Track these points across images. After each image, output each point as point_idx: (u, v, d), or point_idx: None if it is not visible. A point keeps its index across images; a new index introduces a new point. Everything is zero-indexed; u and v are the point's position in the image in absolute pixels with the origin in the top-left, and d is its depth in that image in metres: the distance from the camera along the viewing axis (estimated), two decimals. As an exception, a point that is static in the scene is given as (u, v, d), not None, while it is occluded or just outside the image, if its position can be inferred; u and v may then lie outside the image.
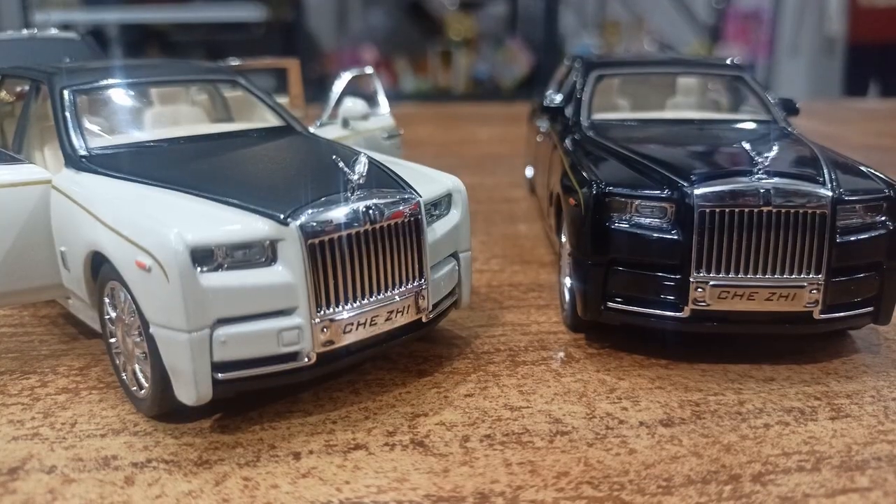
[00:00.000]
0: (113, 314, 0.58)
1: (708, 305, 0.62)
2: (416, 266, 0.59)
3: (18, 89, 0.83)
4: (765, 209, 0.60)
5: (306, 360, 0.54)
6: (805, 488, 0.50)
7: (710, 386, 0.63)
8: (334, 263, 0.54)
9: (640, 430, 0.57)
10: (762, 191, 0.60)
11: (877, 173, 0.67)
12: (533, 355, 0.69)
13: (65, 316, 0.76)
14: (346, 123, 0.89)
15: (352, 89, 0.93)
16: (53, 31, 1.14)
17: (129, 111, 0.79)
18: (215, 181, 0.59)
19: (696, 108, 0.94)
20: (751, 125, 0.83)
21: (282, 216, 0.53)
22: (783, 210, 0.60)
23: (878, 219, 0.63)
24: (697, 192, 0.61)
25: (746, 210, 0.60)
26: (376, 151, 0.85)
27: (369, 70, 0.97)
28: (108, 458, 0.53)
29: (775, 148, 0.64)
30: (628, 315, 0.65)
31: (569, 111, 0.89)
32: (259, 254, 0.53)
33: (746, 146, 0.64)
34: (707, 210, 0.60)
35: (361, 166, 0.58)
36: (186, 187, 0.57)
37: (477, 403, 0.61)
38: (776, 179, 0.61)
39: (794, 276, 0.61)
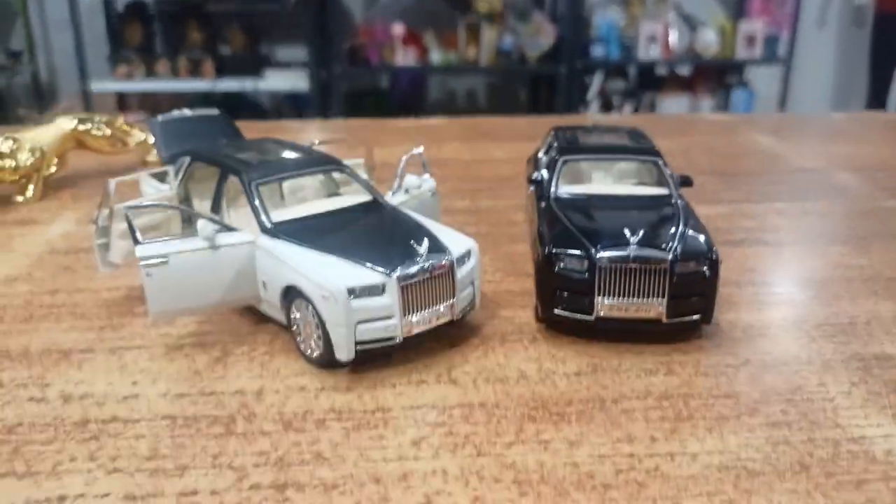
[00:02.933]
0: (297, 315, 1.15)
1: (605, 314, 1.17)
2: (451, 293, 1.15)
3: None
4: (632, 265, 1.14)
5: (397, 340, 1.11)
6: (637, 405, 1.06)
7: (606, 355, 1.18)
8: (412, 294, 1.10)
9: (563, 377, 1.12)
10: (631, 256, 1.14)
11: (706, 238, 1.20)
12: (515, 336, 1.24)
13: (247, 312, 1.32)
14: (406, 191, 1.44)
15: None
16: (202, 111, 1.68)
17: (285, 194, 1.35)
18: (348, 246, 1.14)
19: (632, 179, 1.48)
20: (652, 199, 1.36)
21: (388, 272, 1.08)
22: (643, 266, 1.14)
23: (700, 268, 1.17)
24: (598, 255, 1.15)
25: (623, 265, 1.15)
26: (427, 206, 1.42)
27: (419, 150, 1.51)
28: (303, 386, 1.10)
29: (653, 221, 1.19)
30: (566, 317, 1.21)
31: (545, 182, 1.44)
32: (376, 291, 1.08)
33: (636, 219, 1.19)
34: (604, 265, 1.15)
35: (423, 238, 1.14)
36: (335, 251, 1.13)
37: (483, 363, 1.16)
38: (641, 250, 1.15)
39: (651, 299, 1.16)
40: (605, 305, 1.17)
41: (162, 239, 1.17)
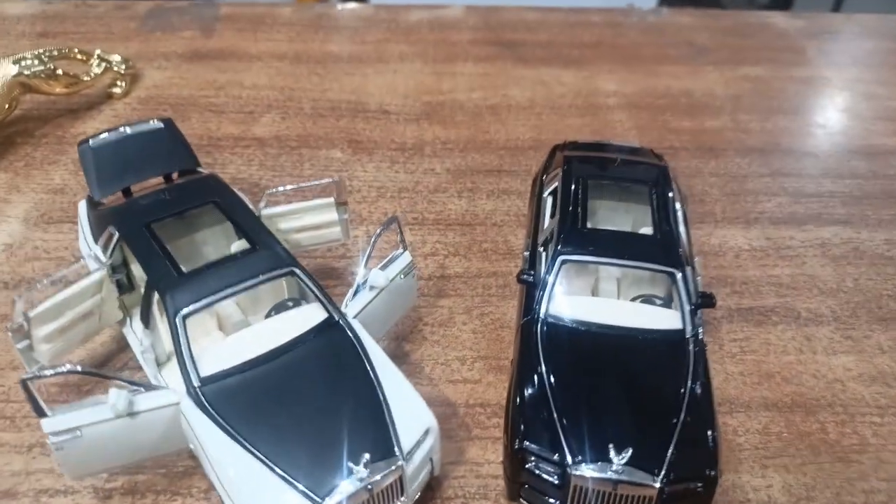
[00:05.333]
0: (225, 502, 1.02)
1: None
2: (398, 495, 1.00)
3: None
4: (613, 491, 0.96)
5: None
6: None
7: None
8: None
9: None
10: (614, 479, 0.96)
11: (710, 441, 1.00)
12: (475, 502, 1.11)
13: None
14: (372, 288, 1.21)
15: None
16: (144, 126, 1.39)
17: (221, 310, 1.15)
18: (284, 441, 0.97)
19: (643, 284, 1.23)
20: (661, 341, 1.12)
21: (321, 498, 0.92)
22: (626, 494, 0.96)
23: (694, 487, 0.99)
24: (575, 472, 0.97)
25: (602, 490, 0.97)
26: (399, 293, 1.21)
27: (393, 224, 1.26)
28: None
29: (651, 409, 0.99)
30: None
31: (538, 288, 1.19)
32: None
33: (630, 407, 0.99)
34: (579, 484, 0.97)
35: (371, 431, 0.96)
36: (267, 449, 0.96)
37: (432, 557, 1.05)
38: (627, 473, 0.96)
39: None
40: (577, 510, 1.01)
41: (72, 408, 1.01)
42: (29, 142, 1.86)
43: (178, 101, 2.06)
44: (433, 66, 2.29)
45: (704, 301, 1.18)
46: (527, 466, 1.01)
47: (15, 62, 1.82)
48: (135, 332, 1.23)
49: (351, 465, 0.95)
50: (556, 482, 0.99)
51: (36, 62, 1.85)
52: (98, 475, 1.10)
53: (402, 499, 1.01)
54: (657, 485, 0.96)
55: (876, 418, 1.26)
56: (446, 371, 1.31)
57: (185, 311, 1.07)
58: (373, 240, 1.23)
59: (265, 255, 1.16)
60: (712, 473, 0.98)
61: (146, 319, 1.14)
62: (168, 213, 1.25)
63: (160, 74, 2.20)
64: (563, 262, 1.19)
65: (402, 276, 1.26)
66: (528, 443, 1.01)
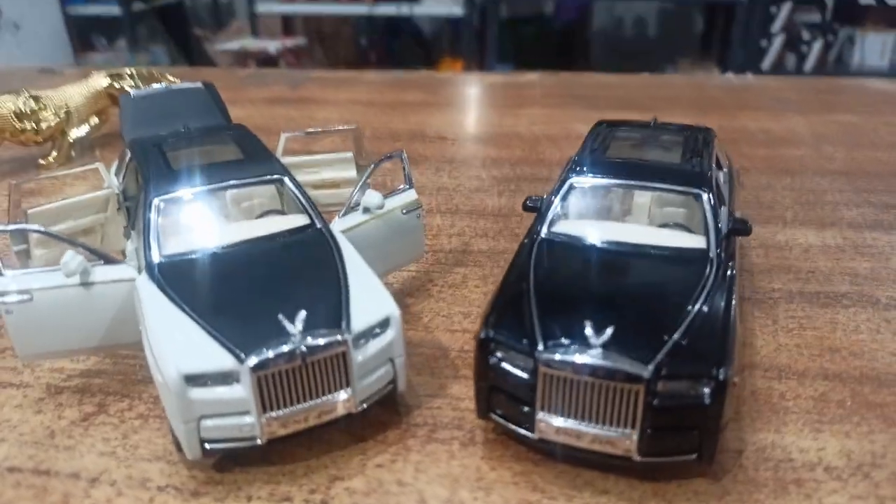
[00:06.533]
0: (160, 383, 0.92)
1: (550, 437, 0.83)
2: (343, 381, 0.86)
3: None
4: (589, 379, 0.78)
5: (259, 441, 0.84)
6: None
7: (553, 489, 0.84)
8: (277, 385, 0.82)
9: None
10: (589, 365, 0.78)
11: (721, 339, 0.81)
12: (446, 433, 0.93)
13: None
14: (366, 210, 1.13)
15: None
16: (185, 85, 1.46)
17: (215, 208, 1.10)
18: (223, 304, 0.88)
19: (675, 213, 1.07)
20: (676, 255, 0.96)
21: (242, 356, 0.81)
22: (605, 383, 0.78)
23: (697, 391, 0.79)
24: (542, 355, 0.80)
25: (575, 378, 0.79)
26: (400, 229, 1.12)
27: (402, 155, 1.20)
28: (147, 479, 0.87)
29: (649, 300, 0.81)
30: (503, 426, 0.88)
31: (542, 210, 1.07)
32: (227, 379, 0.82)
33: (625, 295, 0.82)
34: (547, 372, 0.80)
35: (318, 301, 0.85)
36: (203, 310, 0.87)
37: (381, 475, 0.87)
38: (605, 358, 0.78)
39: (616, 428, 0.80)
40: (550, 426, 0.82)
41: (29, 270, 0.97)
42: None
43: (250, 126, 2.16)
44: (500, 109, 2.30)
45: (737, 227, 1.00)
46: (491, 362, 0.85)
47: (108, 76, 2.00)
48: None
49: (283, 319, 0.84)
50: (526, 378, 0.82)
51: (126, 78, 2.02)
52: (52, 358, 1.04)
53: (348, 390, 0.87)
54: (645, 374, 0.77)
55: (975, 397, 0.99)
56: (446, 322, 1.18)
57: (162, 197, 1.03)
58: (372, 167, 1.17)
59: (256, 163, 1.13)
60: (720, 374, 0.77)
61: (134, 223, 1.11)
62: (184, 143, 1.26)
63: (241, 111, 2.33)
64: (572, 185, 1.07)
65: (404, 212, 1.18)
66: (493, 332, 0.85)
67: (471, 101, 2.41)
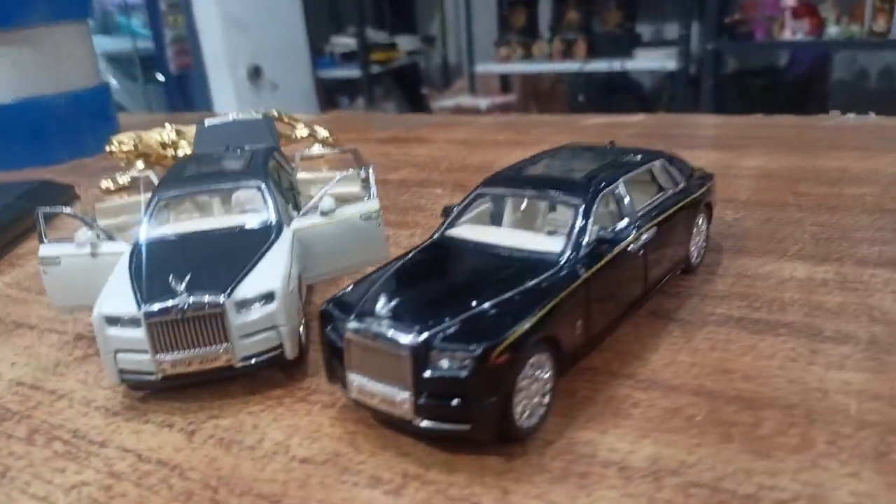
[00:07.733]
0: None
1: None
2: (221, 336, 1.06)
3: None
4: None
5: (156, 377, 1.07)
6: None
7: (366, 446, 0.96)
8: (165, 332, 1.05)
9: (294, 462, 0.95)
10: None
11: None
12: (317, 397, 1.09)
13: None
14: (322, 213, 1.34)
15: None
16: (247, 117, 1.80)
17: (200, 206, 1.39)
18: (157, 270, 1.14)
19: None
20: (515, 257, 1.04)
21: (140, 305, 1.06)
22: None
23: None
24: (348, 326, 0.94)
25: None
26: (359, 234, 1.32)
27: (368, 171, 1.39)
28: (89, 401, 1.15)
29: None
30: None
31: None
32: (134, 323, 1.06)
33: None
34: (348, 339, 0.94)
35: (209, 270, 1.08)
36: (146, 273, 1.13)
37: (245, 419, 1.05)
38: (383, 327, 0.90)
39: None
40: (353, 387, 0.95)
41: (62, 241, 1.32)
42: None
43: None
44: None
45: (600, 242, 1.05)
46: (327, 331, 1.00)
47: (241, 113, 2.44)
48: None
49: (173, 282, 1.07)
50: (340, 346, 0.96)
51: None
52: (77, 309, 1.36)
53: (225, 345, 1.07)
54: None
55: (846, 429, 0.92)
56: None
57: (166, 196, 1.33)
58: (337, 178, 1.38)
59: (246, 174, 1.39)
60: (477, 350, 0.86)
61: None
62: (209, 158, 1.57)
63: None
64: (478, 195, 1.19)
65: (363, 219, 1.36)
66: (328, 306, 1.01)
67: (556, 140, 2.51)
